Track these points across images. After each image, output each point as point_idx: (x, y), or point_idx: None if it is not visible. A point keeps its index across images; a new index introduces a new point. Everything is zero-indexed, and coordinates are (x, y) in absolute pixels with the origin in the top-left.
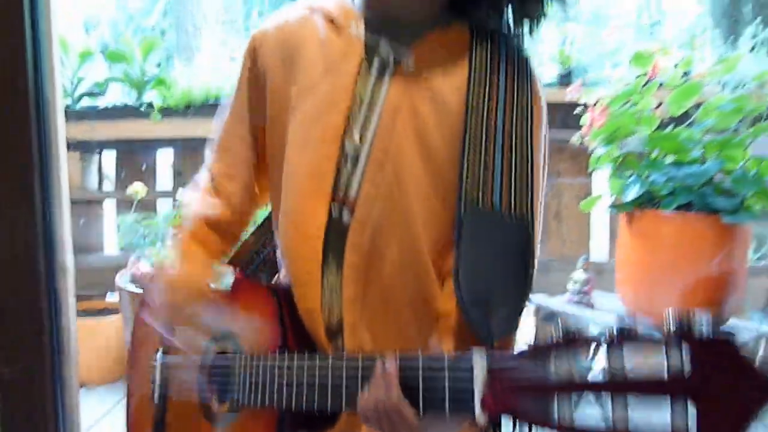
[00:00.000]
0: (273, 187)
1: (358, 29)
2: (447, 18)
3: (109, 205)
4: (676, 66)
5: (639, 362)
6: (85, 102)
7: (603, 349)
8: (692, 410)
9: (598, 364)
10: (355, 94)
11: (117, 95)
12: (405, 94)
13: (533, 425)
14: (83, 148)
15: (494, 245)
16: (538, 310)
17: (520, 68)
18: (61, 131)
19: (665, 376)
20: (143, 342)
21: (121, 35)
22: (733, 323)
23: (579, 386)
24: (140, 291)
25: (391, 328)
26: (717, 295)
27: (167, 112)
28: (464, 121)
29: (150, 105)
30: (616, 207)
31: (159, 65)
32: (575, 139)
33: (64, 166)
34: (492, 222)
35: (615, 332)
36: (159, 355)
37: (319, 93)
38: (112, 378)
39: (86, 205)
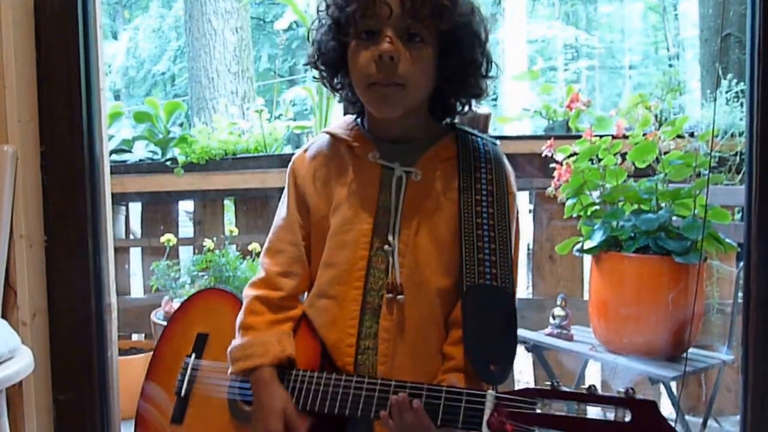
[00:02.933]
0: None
1: (374, 157)
2: (438, 134)
3: (135, 252)
4: (628, 131)
5: (595, 413)
6: (113, 158)
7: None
8: None
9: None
10: (378, 206)
11: (142, 152)
12: (416, 200)
13: None
14: (112, 200)
15: (488, 311)
16: (525, 342)
17: (496, 168)
18: (107, 186)
19: (614, 425)
20: (168, 351)
21: (132, 80)
22: (696, 352)
23: (555, 423)
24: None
25: (412, 370)
26: (675, 327)
27: (189, 167)
28: (458, 219)
29: (174, 160)
30: (585, 250)
31: (181, 125)
32: (549, 190)
33: (110, 217)
34: (486, 293)
35: (586, 393)
36: (192, 358)
37: (350, 206)
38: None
39: (114, 252)
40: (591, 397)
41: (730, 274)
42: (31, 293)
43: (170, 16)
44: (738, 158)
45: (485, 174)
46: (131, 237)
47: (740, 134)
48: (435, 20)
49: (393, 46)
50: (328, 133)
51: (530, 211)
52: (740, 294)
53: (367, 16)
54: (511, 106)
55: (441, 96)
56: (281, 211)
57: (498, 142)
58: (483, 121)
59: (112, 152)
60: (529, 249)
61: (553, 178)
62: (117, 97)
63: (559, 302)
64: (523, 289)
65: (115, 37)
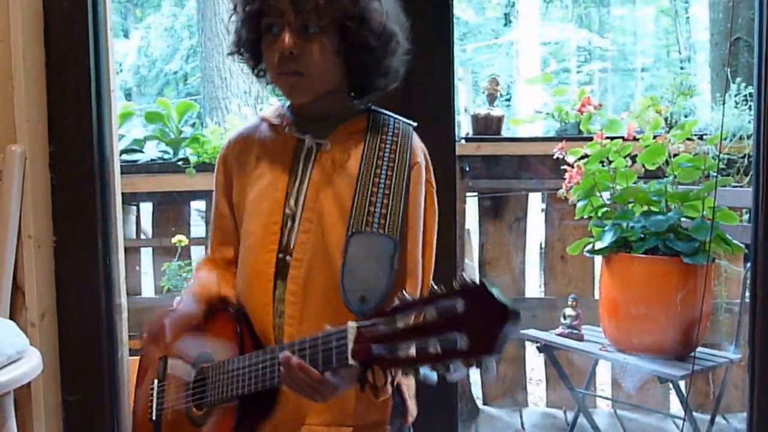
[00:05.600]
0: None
1: (290, 130)
2: (351, 112)
3: (146, 253)
4: (639, 133)
5: (435, 313)
6: (124, 158)
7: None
8: (464, 337)
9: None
10: (290, 175)
11: (153, 152)
12: (324, 170)
13: (386, 365)
14: (123, 200)
15: (368, 254)
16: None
17: (402, 140)
18: (118, 186)
19: (447, 318)
20: (145, 375)
21: (144, 79)
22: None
23: (405, 335)
24: None
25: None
26: (683, 326)
27: (201, 167)
28: (357, 175)
29: (186, 161)
30: (595, 251)
31: (193, 125)
32: (561, 192)
33: (120, 217)
34: (368, 239)
35: (419, 298)
36: (155, 383)
37: (266, 178)
38: None
39: (125, 252)
40: (432, 298)
41: (737, 274)
42: (40, 294)
43: (183, 15)
44: (746, 160)
45: (390, 145)
46: (142, 237)
47: (748, 137)
48: (322, 12)
49: (290, 41)
50: (260, 117)
51: (542, 211)
52: (747, 294)
53: (267, 14)
54: (524, 108)
55: (355, 77)
56: (215, 195)
57: (414, 123)
58: (496, 123)
59: (123, 152)
60: (541, 249)
61: (565, 179)
62: (128, 96)
63: (570, 302)
64: (536, 288)
65: (126, 35)
